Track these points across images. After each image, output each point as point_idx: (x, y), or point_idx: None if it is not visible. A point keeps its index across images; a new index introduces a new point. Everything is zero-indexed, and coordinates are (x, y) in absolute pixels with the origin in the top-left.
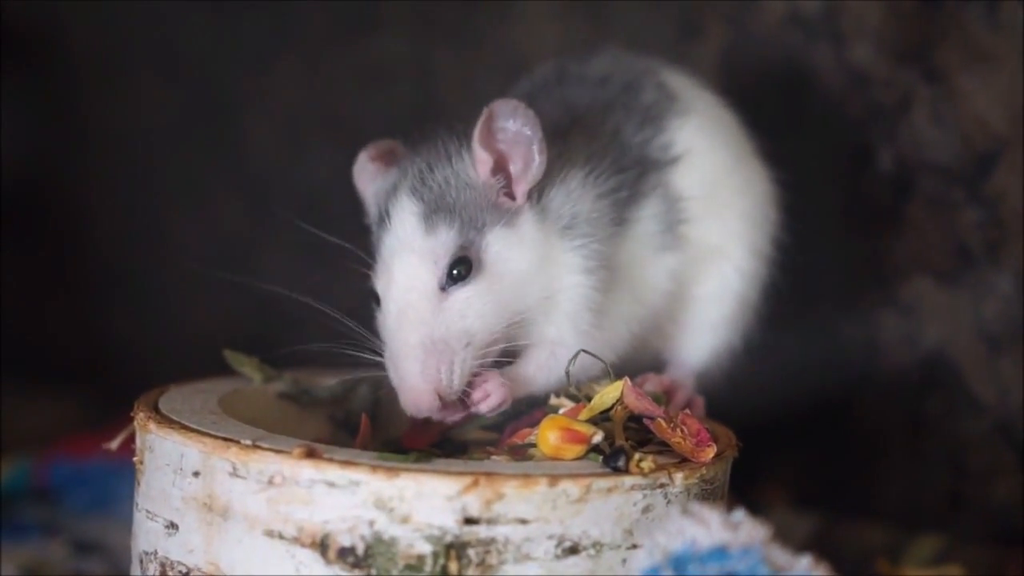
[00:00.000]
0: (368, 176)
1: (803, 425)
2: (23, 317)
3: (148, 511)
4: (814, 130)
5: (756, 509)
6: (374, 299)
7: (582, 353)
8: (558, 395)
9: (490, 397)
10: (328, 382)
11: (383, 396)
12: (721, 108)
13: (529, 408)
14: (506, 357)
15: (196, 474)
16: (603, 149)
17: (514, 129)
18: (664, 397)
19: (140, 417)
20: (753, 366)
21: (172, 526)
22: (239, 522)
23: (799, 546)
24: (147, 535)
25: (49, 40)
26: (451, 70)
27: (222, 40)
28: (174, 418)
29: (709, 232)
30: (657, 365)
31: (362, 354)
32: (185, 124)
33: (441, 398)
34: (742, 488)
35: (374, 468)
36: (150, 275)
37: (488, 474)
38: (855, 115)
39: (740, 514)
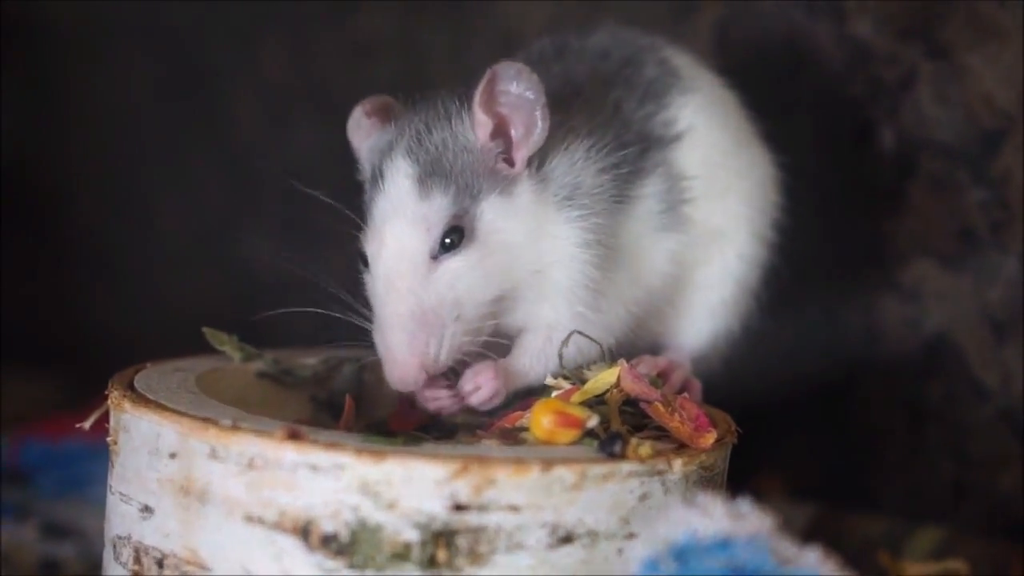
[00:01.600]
0: (363, 132)
1: (801, 412)
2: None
3: (122, 494)
4: (813, 108)
5: (754, 497)
6: (363, 261)
7: (578, 336)
8: (555, 376)
9: (481, 390)
10: (310, 361)
11: (367, 376)
12: (723, 89)
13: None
14: (499, 337)
15: (173, 456)
16: (605, 123)
17: (516, 92)
18: (660, 381)
19: (115, 396)
20: (750, 351)
21: (147, 510)
22: (218, 506)
23: (797, 537)
24: (121, 519)
25: (29, 16)
26: (439, 46)
27: (206, 14)
28: (150, 397)
29: (711, 214)
30: (654, 349)
31: (350, 319)
32: (169, 100)
33: (426, 373)
34: (738, 477)
35: (359, 451)
36: (131, 253)
37: (479, 459)
38: (856, 92)
39: (745, 503)
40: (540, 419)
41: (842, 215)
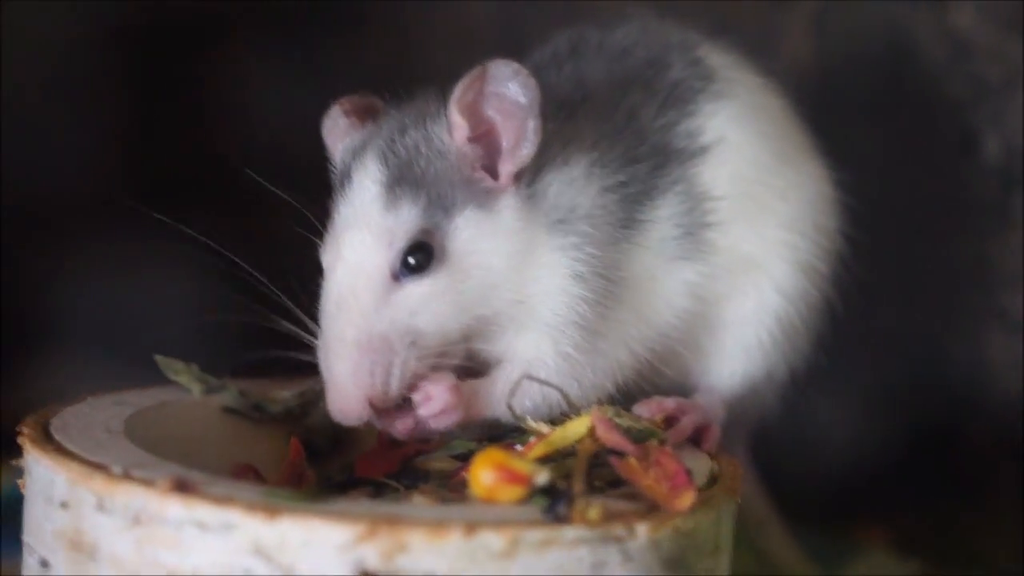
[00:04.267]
0: (339, 132)
1: (904, 458)
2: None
3: (27, 544)
4: (911, 111)
5: (855, 550)
6: (322, 274)
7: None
8: (536, 420)
9: (431, 401)
10: (284, 395)
11: None
12: (768, 94)
13: (514, 433)
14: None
15: (63, 505)
16: (614, 133)
17: (510, 96)
18: (659, 429)
19: (25, 433)
20: (843, 389)
21: (45, 564)
22: (106, 565)
23: None
24: (28, 573)
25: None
26: (541, 32)
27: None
28: (55, 436)
29: (741, 240)
30: (683, 390)
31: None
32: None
33: (374, 406)
34: (840, 525)
35: (251, 507)
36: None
37: (388, 519)
38: (957, 94)
39: None
40: (479, 474)
41: (941, 234)
